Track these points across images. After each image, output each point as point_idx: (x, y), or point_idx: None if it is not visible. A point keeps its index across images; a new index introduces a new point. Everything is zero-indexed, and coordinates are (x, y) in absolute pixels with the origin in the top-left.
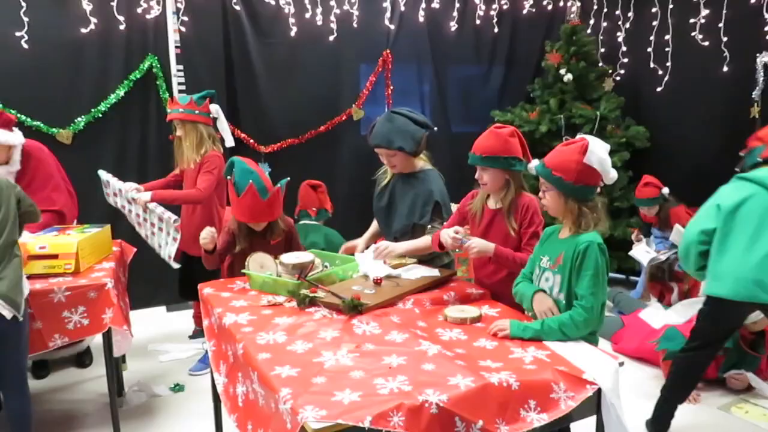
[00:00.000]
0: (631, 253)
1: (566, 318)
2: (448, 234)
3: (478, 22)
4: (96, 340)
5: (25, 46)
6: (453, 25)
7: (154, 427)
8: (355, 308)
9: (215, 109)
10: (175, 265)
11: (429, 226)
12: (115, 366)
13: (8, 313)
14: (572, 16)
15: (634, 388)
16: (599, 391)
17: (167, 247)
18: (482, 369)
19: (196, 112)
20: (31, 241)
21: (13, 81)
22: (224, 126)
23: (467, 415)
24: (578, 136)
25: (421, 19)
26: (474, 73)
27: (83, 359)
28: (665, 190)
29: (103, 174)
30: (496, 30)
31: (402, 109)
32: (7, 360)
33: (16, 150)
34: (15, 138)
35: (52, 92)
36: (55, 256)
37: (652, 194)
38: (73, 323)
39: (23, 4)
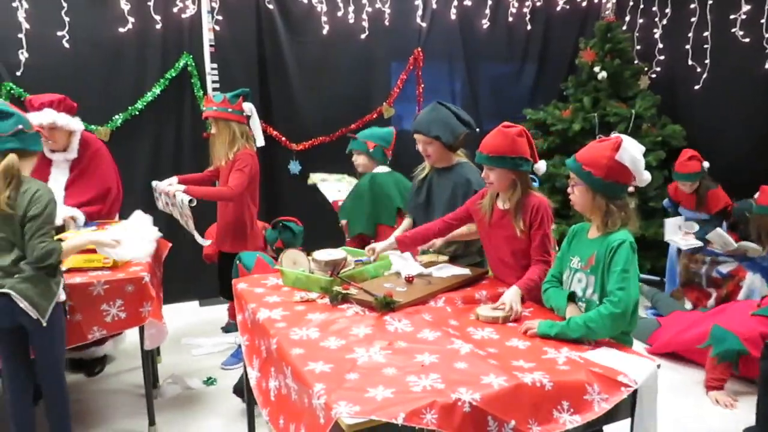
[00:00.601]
0: (666, 219)
1: (593, 313)
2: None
3: (510, 19)
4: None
5: (66, 45)
6: (485, 23)
7: (188, 419)
8: (387, 306)
9: (249, 107)
10: (205, 242)
11: None
12: (150, 358)
13: (33, 314)
14: (607, 12)
15: (672, 389)
16: (634, 393)
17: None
18: (515, 369)
19: (230, 110)
20: (71, 235)
21: (55, 79)
22: (256, 125)
23: (500, 415)
24: (612, 135)
25: (453, 17)
26: (506, 71)
27: (94, 366)
28: (706, 164)
29: (154, 183)
30: (529, 27)
31: (449, 104)
32: (43, 357)
33: (75, 137)
34: (76, 124)
35: (91, 90)
36: (93, 250)
37: (695, 168)
38: (111, 316)
39: (64, 4)
